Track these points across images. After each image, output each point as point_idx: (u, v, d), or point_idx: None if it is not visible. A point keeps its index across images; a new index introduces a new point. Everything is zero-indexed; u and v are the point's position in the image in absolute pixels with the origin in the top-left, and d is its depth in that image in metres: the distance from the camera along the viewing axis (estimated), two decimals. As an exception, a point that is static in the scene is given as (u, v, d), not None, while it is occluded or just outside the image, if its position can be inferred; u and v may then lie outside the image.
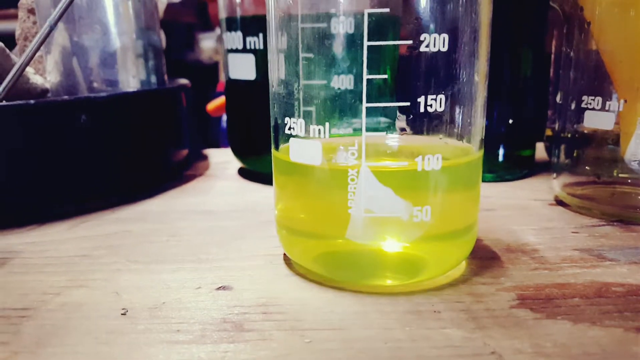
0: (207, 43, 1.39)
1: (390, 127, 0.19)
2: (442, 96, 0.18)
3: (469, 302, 0.19)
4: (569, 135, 0.31)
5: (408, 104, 0.18)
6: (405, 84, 0.19)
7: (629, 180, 0.29)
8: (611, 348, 0.16)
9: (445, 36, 0.18)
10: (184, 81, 0.42)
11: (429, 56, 0.18)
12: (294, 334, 0.17)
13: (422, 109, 0.18)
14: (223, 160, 0.45)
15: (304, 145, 0.20)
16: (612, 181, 0.30)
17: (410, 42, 0.18)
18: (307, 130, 0.19)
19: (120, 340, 0.17)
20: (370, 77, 0.18)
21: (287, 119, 0.20)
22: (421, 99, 0.18)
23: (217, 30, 1.26)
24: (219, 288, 0.20)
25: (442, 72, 0.19)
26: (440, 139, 0.19)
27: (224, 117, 0.99)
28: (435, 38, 0.18)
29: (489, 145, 0.37)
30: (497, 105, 0.36)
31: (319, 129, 0.19)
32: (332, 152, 0.19)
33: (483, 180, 0.36)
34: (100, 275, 0.22)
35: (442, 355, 0.16)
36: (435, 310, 0.18)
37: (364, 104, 0.18)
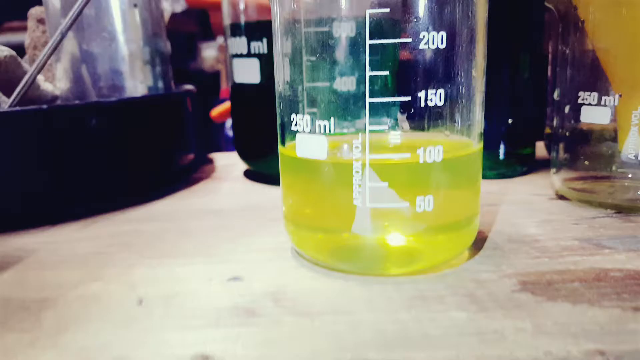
0: (208, 52, 1.40)
1: (392, 123, 0.20)
2: (441, 91, 0.19)
3: (472, 287, 0.20)
4: (568, 131, 0.32)
5: (409, 98, 0.19)
6: (406, 80, 0.19)
7: (629, 175, 0.30)
8: (609, 326, 0.17)
9: (444, 34, 0.19)
10: (189, 87, 0.43)
11: (428, 53, 0.19)
12: (304, 318, 0.18)
13: (422, 104, 0.19)
14: (228, 163, 0.46)
15: (310, 140, 0.20)
16: (611, 175, 0.31)
17: (410, 40, 0.19)
18: (312, 126, 0.20)
19: (137, 326, 0.18)
20: (373, 73, 0.19)
21: (293, 115, 0.21)
22: (421, 94, 0.19)
23: (219, 40, 1.27)
24: (230, 279, 0.21)
25: (441, 68, 0.19)
26: (441, 132, 0.20)
27: (228, 124, 1.00)
28: (433, 36, 0.19)
29: (490, 144, 0.38)
30: (497, 106, 0.37)
31: (324, 125, 0.20)
32: (337, 148, 0.20)
33: (484, 178, 0.37)
34: (114, 270, 0.23)
35: (448, 334, 0.16)
36: (439, 295, 0.19)
37: (367, 100, 0.19)
